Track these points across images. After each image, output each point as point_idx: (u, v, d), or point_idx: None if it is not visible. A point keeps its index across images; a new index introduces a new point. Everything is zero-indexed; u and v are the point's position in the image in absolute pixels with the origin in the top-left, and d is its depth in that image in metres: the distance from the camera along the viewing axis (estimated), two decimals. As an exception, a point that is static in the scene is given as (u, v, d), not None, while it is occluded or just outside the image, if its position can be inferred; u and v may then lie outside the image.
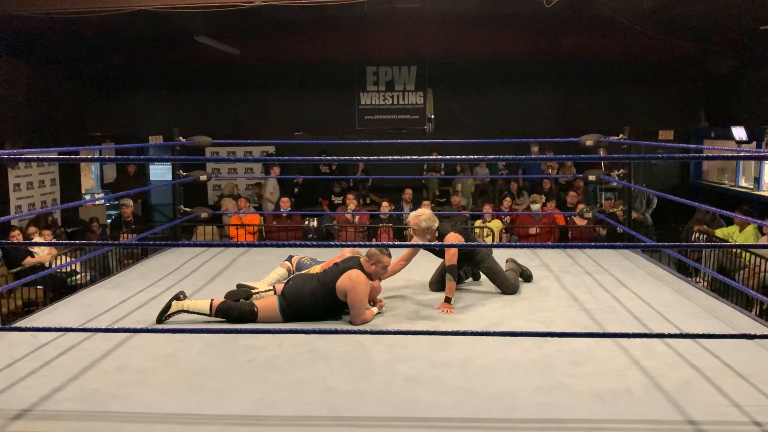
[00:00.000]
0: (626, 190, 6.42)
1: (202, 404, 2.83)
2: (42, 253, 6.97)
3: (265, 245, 6.23)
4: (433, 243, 4.46)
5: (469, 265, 4.80)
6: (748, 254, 6.09)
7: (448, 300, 4.24)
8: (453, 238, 4.45)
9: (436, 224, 4.49)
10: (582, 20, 9.60)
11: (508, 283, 4.64)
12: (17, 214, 8.53)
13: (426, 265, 4.89)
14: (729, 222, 7.42)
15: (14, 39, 8.84)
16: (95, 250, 6.35)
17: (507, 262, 4.95)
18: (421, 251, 4.87)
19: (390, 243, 4.29)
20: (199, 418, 2.71)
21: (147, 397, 2.90)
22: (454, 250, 4.36)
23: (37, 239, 7.16)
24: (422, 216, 4.47)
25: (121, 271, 5.58)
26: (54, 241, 7.57)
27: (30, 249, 6.93)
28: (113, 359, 3.34)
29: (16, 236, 7.06)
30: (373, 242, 6.22)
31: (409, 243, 5.36)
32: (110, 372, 3.18)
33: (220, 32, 9.82)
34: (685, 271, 6.46)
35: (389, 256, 4.14)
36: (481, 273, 4.90)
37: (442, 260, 4.74)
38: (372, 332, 3.41)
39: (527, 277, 4.99)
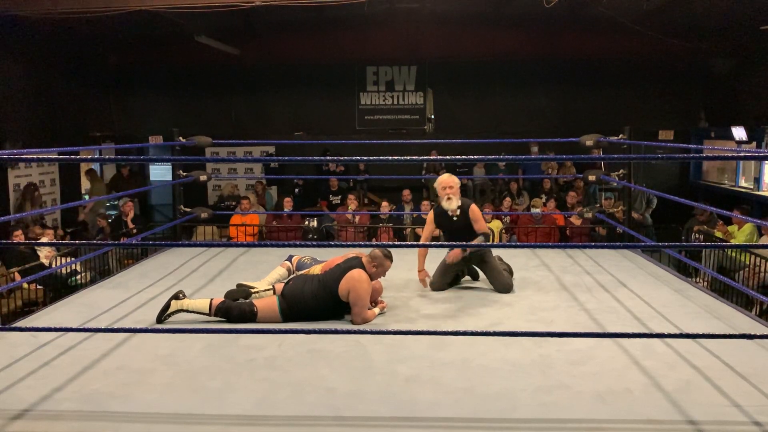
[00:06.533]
0: (626, 190, 6.43)
1: (202, 404, 2.83)
2: (44, 254, 6.97)
3: (265, 245, 6.22)
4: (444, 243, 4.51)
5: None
6: (747, 254, 6.09)
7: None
8: (477, 207, 4.64)
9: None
10: (582, 20, 9.61)
11: (502, 280, 4.64)
12: (17, 214, 8.52)
13: (426, 265, 4.88)
14: (728, 222, 7.42)
15: (14, 39, 8.84)
16: (95, 250, 6.35)
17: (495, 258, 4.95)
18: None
19: (390, 243, 4.28)
20: (199, 418, 2.71)
21: (147, 397, 2.90)
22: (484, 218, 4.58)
23: (43, 240, 7.15)
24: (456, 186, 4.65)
25: (121, 271, 5.59)
26: (54, 240, 7.56)
27: (36, 251, 6.92)
28: (113, 359, 3.34)
29: (18, 236, 7.05)
30: (374, 242, 6.22)
31: (412, 243, 5.35)
32: (110, 372, 3.18)
33: (220, 32, 9.83)
34: (685, 271, 6.46)
35: (391, 260, 4.15)
36: (478, 271, 4.90)
37: (442, 261, 4.73)
38: (372, 332, 3.41)
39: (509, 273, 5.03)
